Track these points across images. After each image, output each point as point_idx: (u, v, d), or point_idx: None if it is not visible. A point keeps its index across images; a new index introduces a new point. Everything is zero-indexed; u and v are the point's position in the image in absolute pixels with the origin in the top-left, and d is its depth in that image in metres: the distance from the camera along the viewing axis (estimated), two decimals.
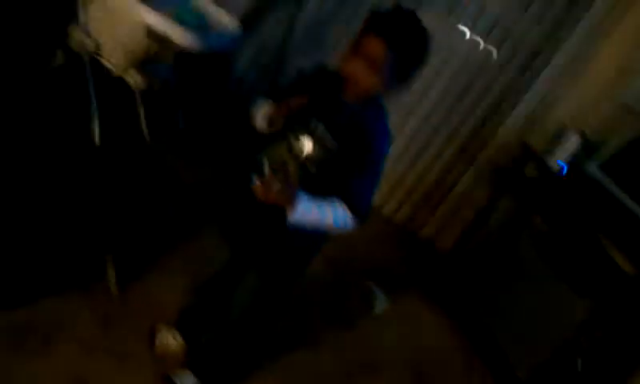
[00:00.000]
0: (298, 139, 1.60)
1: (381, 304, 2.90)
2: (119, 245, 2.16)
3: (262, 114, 1.65)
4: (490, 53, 3.44)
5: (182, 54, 2.20)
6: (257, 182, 1.46)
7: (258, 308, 1.87)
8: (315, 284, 2.09)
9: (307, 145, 1.59)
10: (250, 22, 3.17)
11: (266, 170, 1.51)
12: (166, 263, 2.32)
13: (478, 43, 3.44)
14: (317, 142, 1.58)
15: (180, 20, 2.17)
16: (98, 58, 2.10)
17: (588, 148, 3.14)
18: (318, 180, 1.58)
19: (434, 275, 3.41)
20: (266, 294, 1.83)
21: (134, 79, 2.14)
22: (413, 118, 3.63)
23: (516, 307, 2.95)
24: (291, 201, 1.47)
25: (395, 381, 2.54)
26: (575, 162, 3.12)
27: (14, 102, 2.21)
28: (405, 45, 1.47)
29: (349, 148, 1.54)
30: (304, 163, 1.58)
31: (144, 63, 2.13)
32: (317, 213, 1.50)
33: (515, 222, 3.32)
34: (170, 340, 2.03)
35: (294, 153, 1.60)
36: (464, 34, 3.44)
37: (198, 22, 2.23)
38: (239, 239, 1.82)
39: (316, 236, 1.70)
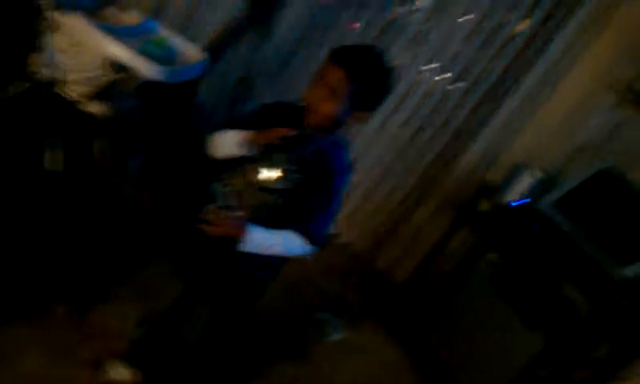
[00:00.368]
0: (255, 169, 1.63)
1: (336, 332, 2.92)
2: (71, 273, 2.13)
3: (239, 140, 1.66)
4: (449, 88, 3.51)
5: (145, 84, 2.22)
6: (205, 215, 1.50)
7: (209, 340, 1.88)
8: (269, 312, 2.08)
9: (264, 174, 1.62)
10: (215, 49, 3.18)
11: (219, 199, 1.54)
12: (119, 293, 2.31)
13: (438, 79, 3.51)
14: (279, 172, 1.61)
15: (145, 52, 2.19)
16: (59, 86, 2.10)
17: (544, 184, 3.22)
18: (283, 210, 1.61)
19: (389, 306, 3.44)
20: (217, 325, 1.85)
21: (96, 108, 2.15)
22: (374, 148, 3.67)
23: (472, 339, 3.00)
24: (240, 230, 1.51)
25: None
26: (531, 198, 3.20)
27: None
28: (365, 75, 1.52)
29: (311, 181, 1.58)
30: (262, 191, 1.61)
31: (107, 93, 2.14)
32: (267, 242, 1.55)
33: (471, 255, 3.39)
34: (120, 371, 2.01)
35: (248, 180, 1.63)
36: (422, 69, 3.50)
37: (163, 54, 2.24)
38: (191, 271, 1.82)
39: (271, 263, 1.73)
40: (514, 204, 3.16)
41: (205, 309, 1.81)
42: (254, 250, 1.55)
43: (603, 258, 2.76)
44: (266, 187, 1.61)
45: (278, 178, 1.60)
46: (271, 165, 1.61)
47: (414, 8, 3.35)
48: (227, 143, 1.68)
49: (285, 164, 1.61)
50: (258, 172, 1.62)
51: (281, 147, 1.60)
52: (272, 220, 1.60)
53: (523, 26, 3.27)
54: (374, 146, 3.68)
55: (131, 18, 2.36)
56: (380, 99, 1.61)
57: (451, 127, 3.54)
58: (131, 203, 2.55)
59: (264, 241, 1.55)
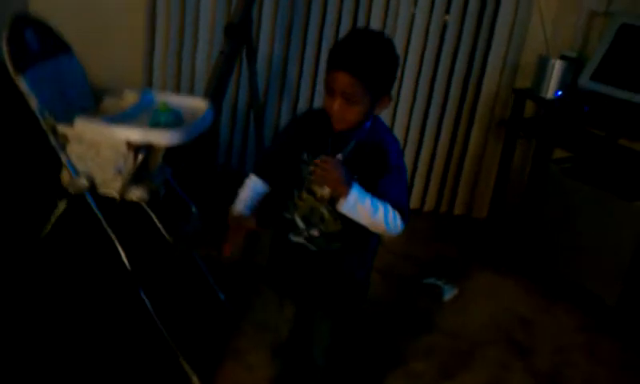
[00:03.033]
0: (313, 187, 1.61)
1: (448, 291, 2.88)
2: (187, 345, 2.18)
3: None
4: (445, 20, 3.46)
5: (169, 150, 2.23)
6: (313, 167, 1.48)
7: (340, 343, 1.86)
8: (377, 301, 2.05)
9: (322, 191, 1.60)
10: (215, 91, 3.20)
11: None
12: (236, 346, 2.33)
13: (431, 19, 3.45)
14: None
15: (155, 123, 2.20)
16: (95, 192, 2.14)
17: (574, 65, 3.13)
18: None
19: (484, 245, 3.40)
20: (342, 327, 1.83)
21: (137, 194, 2.16)
22: (400, 112, 3.63)
23: (577, 240, 2.91)
24: (346, 184, 1.48)
25: (498, 355, 2.52)
26: (568, 83, 3.11)
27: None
28: (371, 68, 1.48)
29: (369, 171, 1.55)
30: (332, 203, 1.57)
31: (139, 175, 2.14)
32: (369, 205, 1.50)
33: (537, 162, 3.32)
34: None
35: (318, 196, 1.61)
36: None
37: (173, 118, 2.23)
38: (299, 293, 1.79)
39: (366, 259, 1.73)
40: (557, 95, 3.06)
41: (324, 323, 1.80)
42: (354, 214, 1.51)
43: None
44: (331, 200, 1.58)
45: None
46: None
47: None
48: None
49: None
50: (316, 190, 1.61)
51: (324, 153, 1.56)
52: (351, 229, 1.58)
53: None
54: (400, 108, 3.64)
55: (129, 98, 2.35)
56: (393, 78, 1.57)
57: (462, 52, 3.48)
58: (206, 262, 2.56)
59: (367, 203, 1.50)
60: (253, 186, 1.71)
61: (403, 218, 1.55)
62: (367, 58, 1.47)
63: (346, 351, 1.93)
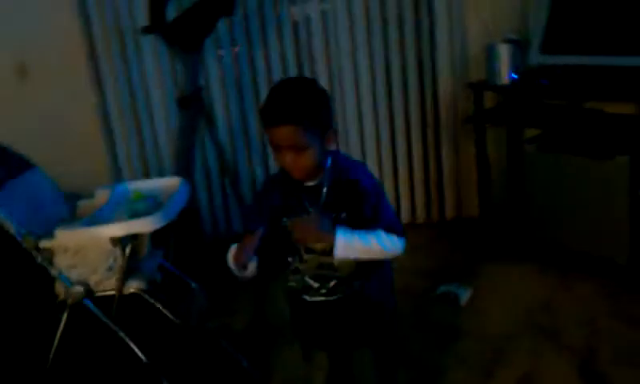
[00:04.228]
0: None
1: (462, 294, 2.85)
2: None
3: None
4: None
5: (155, 235, 2.23)
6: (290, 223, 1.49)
7: (394, 369, 1.85)
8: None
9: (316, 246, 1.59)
10: (183, 167, 3.20)
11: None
12: None
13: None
14: None
15: (134, 212, 2.18)
16: (91, 294, 2.12)
17: (522, 45, 3.18)
18: None
19: (485, 241, 3.39)
20: (386, 359, 1.80)
21: (134, 286, 2.14)
22: (367, 139, 3.65)
23: (572, 210, 2.92)
24: (328, 234, 1.48)
25: (529, 344, 2.49)
26: (519, 64, 3.15)
27: None
28: (300, 110, 1.47)
29: (351, 207, 1.54)
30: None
31: (131, 267, 2.13)
32: (360, 241, 1.50)
33: (511, 147, 3.34)
34: None
35: (319, 251, 1.59)
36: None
37: (150, 203, 2.23)
38: (332, 342, 1.76)
39: (385, 280, 1.72)
40: (512, 78, 3.10)
41: (366, 362, 1.76)
42: (350, 254, 1.51)
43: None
44: (326, 251, 1.57)
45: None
46: None
47: None
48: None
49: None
50: (315, 246, 1.59)
51: (304, 210, 1.57)
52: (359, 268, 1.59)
53: None
54: (364, 133, 3.66)
55: (101, 196, 2.34)
56: (328, 111, 1.57)
57: (410, 61, 3.52)
58: (221, 338, 2.52)
59: (357, 240, 1.50)
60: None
61: (399, 234, 1.56)
62: (298, 103, 1.48)
63: (396, 380, 1.88)
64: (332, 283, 1.61)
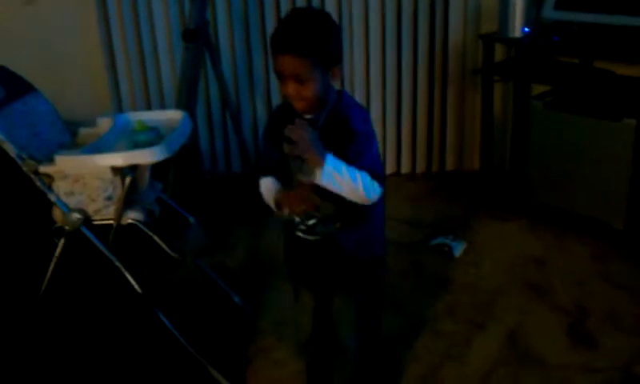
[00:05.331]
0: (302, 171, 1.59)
1: (457, 246, 2.88)
2: (212, 354, 2.18)
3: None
4: None
5: (155, 167, 2.22)
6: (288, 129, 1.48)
7: (370, 322, 1.88)
8: (389, 271, 2.05)
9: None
10: (187, 99, 3.16)
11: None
12: (260, 346, 2.33)
13: None
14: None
15: (135, 143, 2.16)
16: (90, 222, 2.12)
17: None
18: None
19: (483, 194, 3.39)
20: (367, 305, 1.84)
21: (132, 216, 2.14)
22: (373, 82, 3.61)
23: (574, 171, 2.91)
24: (319, 152, 1.48)
25: (519, 300, 2.52)
26: (533, 18, 3.09)
27: None
28: (309, 42, 1.47)
29: (338, 142, 1.54)
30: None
31: (130, 198, 2.12)
32: (347, 174, 1.50)
33: (518, 102, 3.31)
34: None
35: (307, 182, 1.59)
36: None
37: (152, 135, 2.21)
38: (315, 282, 1.81)
39: (376, 227, 1.72)
40: (525, 32, 3.03)
41: (347, 306, 1.81)
42: (334, 184, 1.49)
43: None
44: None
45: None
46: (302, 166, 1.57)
47: None
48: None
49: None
50: (303, 180, 1.59)
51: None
52: (345, 206, 1.57)
53: None
54: (371, 77, 3.61)
55: (103, 125, 2.31)
56: (337, 46, 1.58)
57: (422, 8, 3.45)
58: (217, 276, 2.53)
59: (344, 171, 1.49)
60: (269, 185, 1.69)
61: (379, 180, 1.56)
62: (306, 35, 1.48)
63: (377, 329, 1.92)
64: (310, 221, 1.63)
